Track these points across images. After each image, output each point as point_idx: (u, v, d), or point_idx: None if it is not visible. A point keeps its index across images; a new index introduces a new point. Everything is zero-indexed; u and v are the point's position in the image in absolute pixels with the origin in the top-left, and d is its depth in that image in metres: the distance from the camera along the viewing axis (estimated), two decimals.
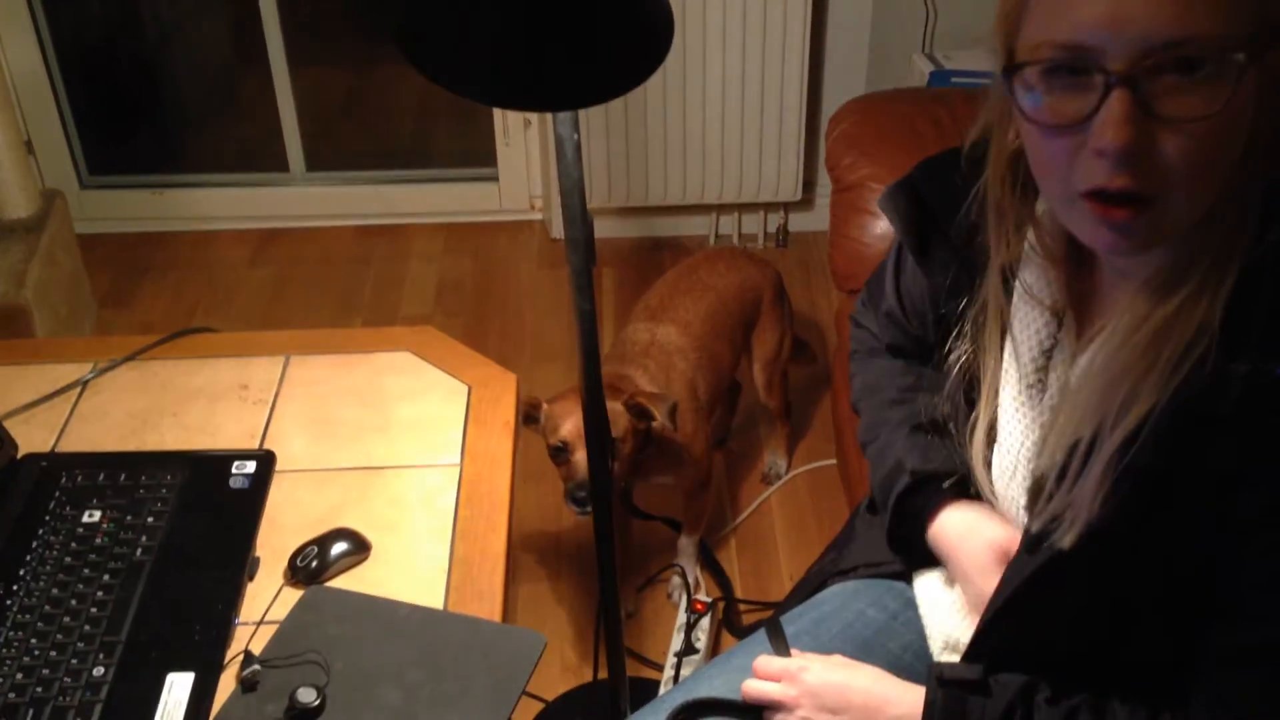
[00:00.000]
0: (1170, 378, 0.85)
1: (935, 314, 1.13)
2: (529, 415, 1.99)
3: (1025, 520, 1.00)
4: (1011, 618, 1.02)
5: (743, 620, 2.28)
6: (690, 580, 2.30)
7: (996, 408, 1.07)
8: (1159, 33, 0.78)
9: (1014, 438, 1.06)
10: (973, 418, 1.09)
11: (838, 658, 1.13)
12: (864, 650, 1.18)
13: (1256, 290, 0.82)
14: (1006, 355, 1.06)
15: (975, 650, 1.06)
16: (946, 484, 1.14)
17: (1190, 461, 0.84)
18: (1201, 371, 0.83)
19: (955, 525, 1.14)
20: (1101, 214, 0.85)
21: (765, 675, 1.14)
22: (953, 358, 1.11)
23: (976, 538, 1.12)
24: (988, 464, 1.10)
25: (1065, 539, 0.91)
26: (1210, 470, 0.84)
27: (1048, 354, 1.02)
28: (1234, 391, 0.80)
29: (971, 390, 1.10)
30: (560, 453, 1.95)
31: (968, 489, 1.15)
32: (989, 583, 1.05)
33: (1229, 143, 0.81)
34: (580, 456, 1.92)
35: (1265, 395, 0.80)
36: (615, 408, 1.96)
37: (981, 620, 1.05)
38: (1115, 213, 0.84)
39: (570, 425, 1.92)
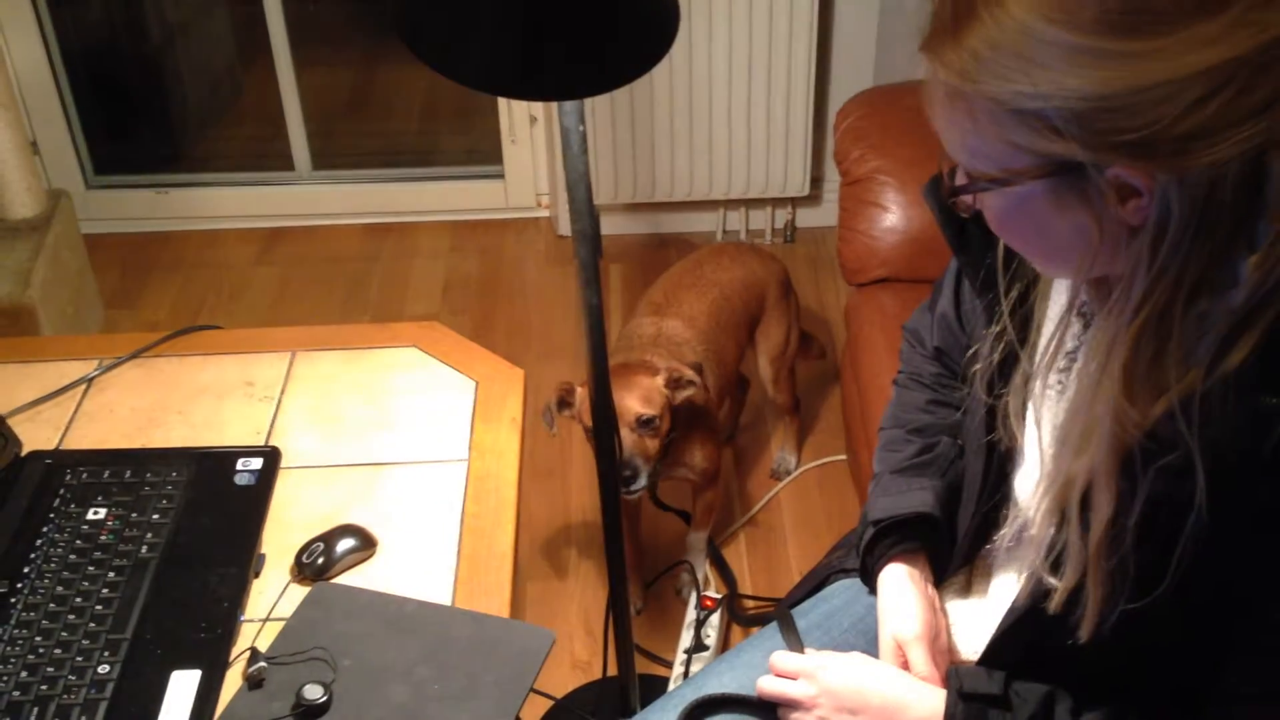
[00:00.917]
0: (1111, 430, 0.84)
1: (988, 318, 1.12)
2: (563, 400, 1.99)
3: (1048, 547, 0.98)
4: (1023, 634, 1.00)
5: (749, 613, 2.27)
6: (700, 576, 2.29)
7: (1026, 397, 1.05)
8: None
9: (1034, 451, 1.04)
10: (1011, 381, 1.07)
11: (857, 655, 1.12)
12: (875, 645, 1.17)
13: None
14: (1039, 351, 1.04)
15: (990, 658, 1.05)
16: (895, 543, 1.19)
17: (1219, 501, 0.81)
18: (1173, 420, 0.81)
19: (885, 591, 1.18)
20: None
21: (782, 673, 1.13)
22: (983, 348, 1.09)
23: (888, 618, 1.15)
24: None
25: (1083, 630, 0.91)
26: (1240, 508, 0.82)
27: (1071, 355, 1.01)
28: (1275, 431, 0.78)
29: (993, 386, 1.08)
30: None
31: (934, 527, 1.18)
32: (885, 659, 1.13)
33: (1018, 236, 0.90)
34: (621, 435, 1.92)
35: None
36: (655, 384, 1.97)
37: (994, 634, 1.04)
38: None
39: None
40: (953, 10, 0.80)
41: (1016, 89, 0.76)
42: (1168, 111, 0.73)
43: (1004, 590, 1.14)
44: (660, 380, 1.98)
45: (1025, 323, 1.04)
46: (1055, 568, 0.93)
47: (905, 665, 1.12)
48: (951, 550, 1.19)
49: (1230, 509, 0.82)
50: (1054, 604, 0.93)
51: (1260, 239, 0.77)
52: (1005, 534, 1.12)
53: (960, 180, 0.87)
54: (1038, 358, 1.03)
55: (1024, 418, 1.06)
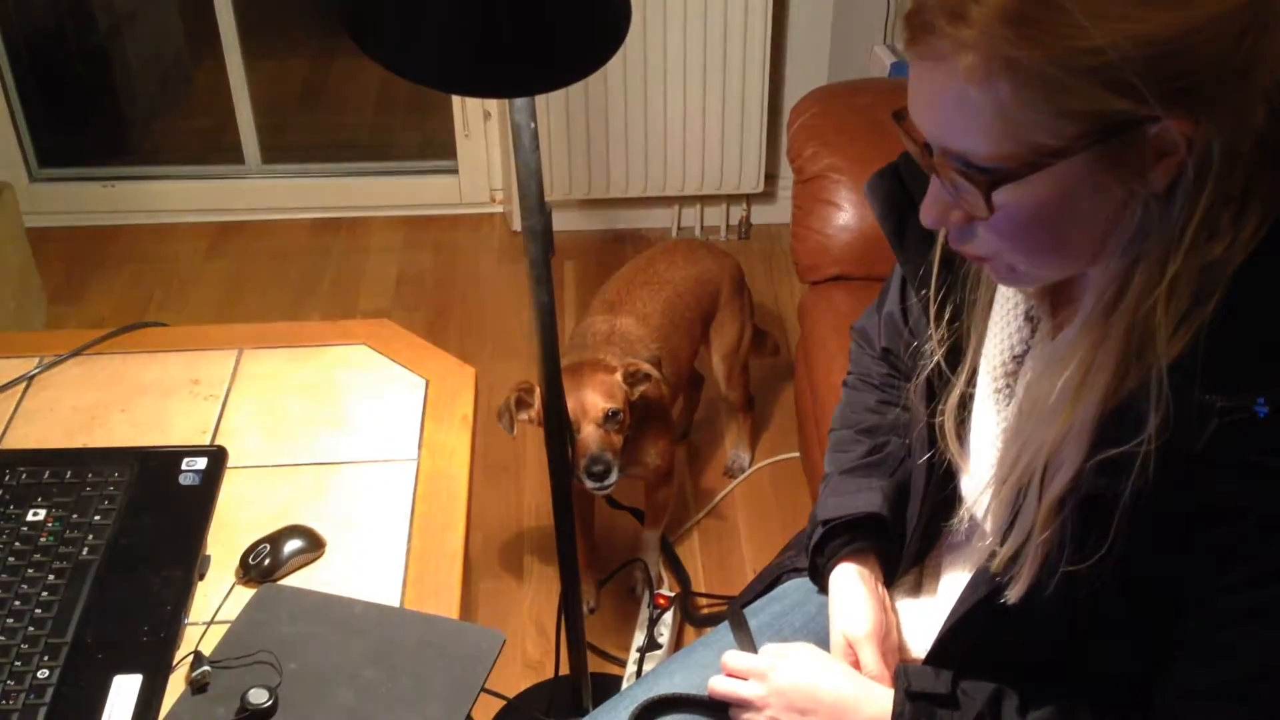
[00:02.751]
0: (1098, 407, 0.84)
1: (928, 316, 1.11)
2: (521, 401, 1.97)
3: (992, 539, 0.98)
4: (971, 629, 1.01)
5: (702, 612, 2.27)
6: (653, 575, 2.28)
7: (970, 395, 1.06)
8: (932, 135, 0.82)
9: (985, 439, 1.05)
10: (946, 399, 1.07)
11: (808, 653, 1.11)
12: (827, 644, 1.17)
13: (1236, 323, 0.79)
14: (984, 354, 1.04)
15: (938, 655, 1.05)
16: (846, 542, 1.19)
17: (1158, 494, 0.82)
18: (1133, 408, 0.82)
19: (836, 590, 1.18)
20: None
21: (734, 672, 1.12)
22: (926, 347, 1.09)
23: (839, 617, 1.16)
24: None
25: (1012, 591, 0.92)
26: (1178, 504, 0.82)
27: (1019, 359, 1.01)
28: (1209, 426, 0.78)
29: (934, 382, 1.09)
30: None
31: (884, 528, 1.18)
32: (836, 657, 1.13)
33: (1039, 229, 0.82)
34: (587, 432, 1.93)
35: (1240, 431, 0.78)
36: (614, 379, 1.97)
37: (942, 630, 1.05)
38: (975, 258, 0.90)
39: (572, 403, 1.91)
40: None
41: (1082, 45, 0.72)
42: (1217, 50, 0.73)
43: (953, 588, 1.15)
44: (619, 376, 1.98)
45: (961, 338, 1.04)
46: (1006, 535, 0.93)
47: (856, 664, 1.12)
48: (901, 549, 1.19)
49: (1165, 503, 0.82)
50: (995, 564, 0.93)
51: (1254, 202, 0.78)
52: (954, 530, 1.13)
53: (975, 171, 0.80)
54: (981, 364, 1.03)
55: (963, 433, 1.06)
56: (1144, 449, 0.81)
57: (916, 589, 1.21)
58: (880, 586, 1.18)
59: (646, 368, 2.00)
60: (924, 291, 1.06)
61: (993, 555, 0.94)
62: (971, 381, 1.04)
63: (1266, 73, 0.75)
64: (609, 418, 1.94)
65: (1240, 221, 0.78)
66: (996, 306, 1.02)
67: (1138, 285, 0.80)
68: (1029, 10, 0.73)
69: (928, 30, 0.78)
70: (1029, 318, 1.00)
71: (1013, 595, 0.91)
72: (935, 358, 1.05)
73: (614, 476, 1.94)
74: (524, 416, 1.99)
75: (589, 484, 1.94)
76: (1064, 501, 0.87)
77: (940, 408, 1.06)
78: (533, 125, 1.28)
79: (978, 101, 0.77)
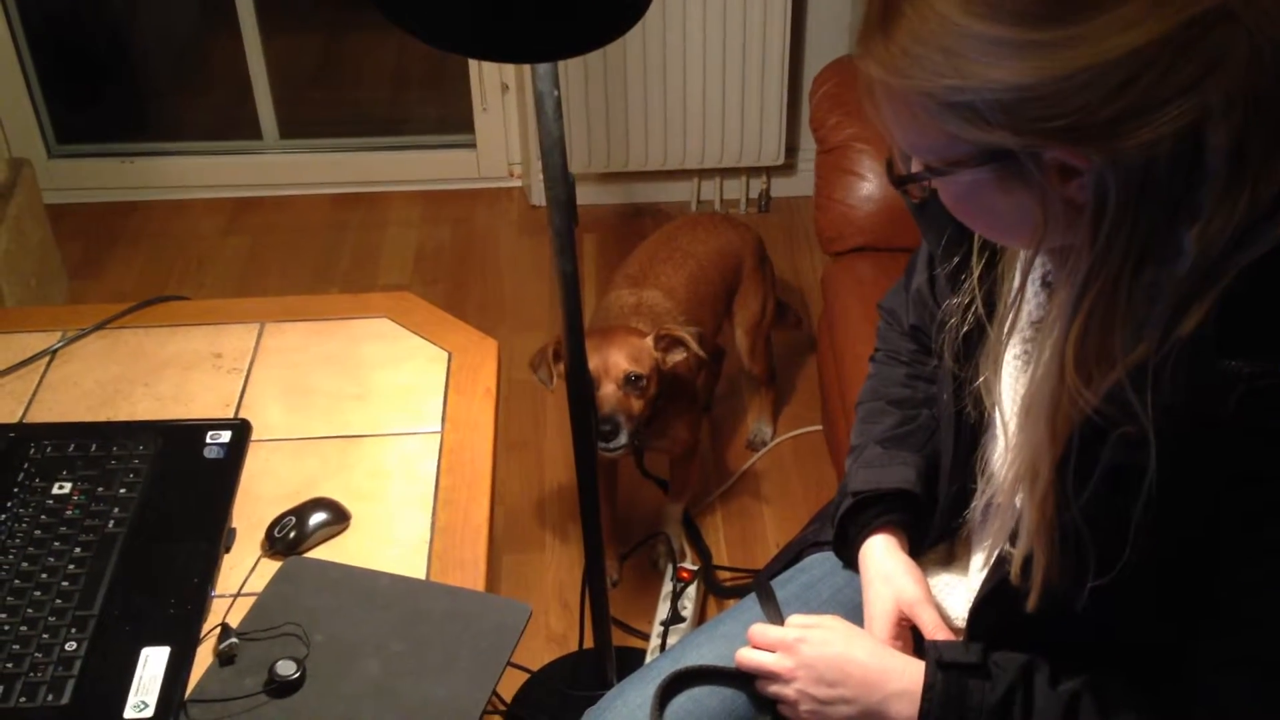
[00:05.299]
0: (1050, 409, 0.84)
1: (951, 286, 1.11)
2: (558, 353, 1.95)
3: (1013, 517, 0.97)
4: (996, 606, 1.00)
5: (724, 584, 2.27)
6: (676, 548, 2.28)
7: (995, 369, 1.04)
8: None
9: (1011, 405, 1.03)
10: (980, 352, 1.06)
11: (836, 624, 1.11)
12: (855, 616, 1.16)
13: (1258, 288, 0.78)
14: (1007, 322, 1.03)
15: (970, 628, 1.05)
16: (877, 514, 1.18)
17: (1181, 463, 0.81)
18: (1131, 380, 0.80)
19: (876, 560, 1.17)
20: None
21: (761, 645, 1.12)
22: (949, 321, 1.07)
23: (889, 584, 1.14)
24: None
25: (1029, 599, 0.91)
26: (1203, 472, 0.81)
27: (1037, 326, 1.00)
28: (1236, 392, 0.77)
29: (960, 357, 1.07)
30: None
31: (914, 503, 1.17)
32: (879, 624, 1.12)
33: (967, 212, 0.88)
34: (605, 391, 1.92)
35: (1267, 396, 0.77)
36: (644, 344, 1.96)
37: (972, 606, 1.04)
38: None
39: (596, 360, 1.90)
40: (881, 8, 0.80)
41: (945, 83, 0.76)
42: (1094, 96, 0.72)
43: (982, 562, 1.14)
44: (649, 341, 1.96)
45: (993, 293, 1.03)
46: (1015, 537, 0.93)
47: (899, 631, 1.11)
48: (929, 524, 1.18)
49: (1192, 474, 0.81)
50: (1012, 573, 0.93)
51: (1202, 209, 0.76)
52: (978, 505, 1.12)
53: (909, 169, 0.88)
54: (1004, 328, 1.02)
55: (994, 389, 1.05)
56: (1150, 430, 0.80)
57: (947, 561, 1.20)
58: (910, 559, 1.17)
59: (680, 332, 1.98)
60: (952, 262, 1.05)
61: (1002, 560, 0.94)
62: (1002, 329, 1.03)
63: (1183, 107, 0.72)
64: (629, 381, 1.93)
65: (1165, 248, 0.77)
66: (1018, 271, 1.01)
67: (1082, 282, 0.80)
68: (911, 46, 0.78)
69: (858, 49, 0.83)
70: (1045, 283, 0.99)
71: (1030, 604, 0.91)
72: (969, 315, 1.04)
73: (622, 440, 1.92)
74: (561, 368, 1.98)
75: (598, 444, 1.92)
76: (1057, 511, 0.87)
77: (976, 358, 1.05)
78: (556, 93, 1.27)
79: (890, 116, 0.84)
